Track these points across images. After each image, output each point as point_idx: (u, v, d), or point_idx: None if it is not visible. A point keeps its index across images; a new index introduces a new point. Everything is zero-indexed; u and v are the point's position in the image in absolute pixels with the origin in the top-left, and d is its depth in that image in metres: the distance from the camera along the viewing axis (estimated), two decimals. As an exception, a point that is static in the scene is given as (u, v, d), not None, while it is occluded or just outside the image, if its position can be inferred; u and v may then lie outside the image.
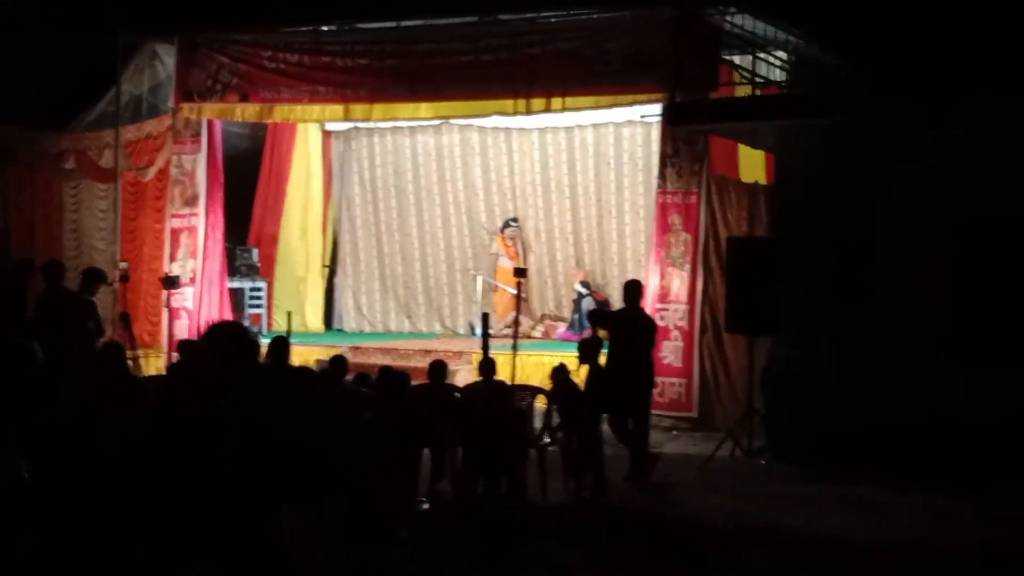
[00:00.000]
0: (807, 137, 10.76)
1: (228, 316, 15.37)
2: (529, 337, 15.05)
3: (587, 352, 9.75)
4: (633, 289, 10.34)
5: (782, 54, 12.74)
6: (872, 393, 9.85)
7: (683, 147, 12.51)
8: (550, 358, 12.75)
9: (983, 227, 9.68)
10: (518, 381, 10.90)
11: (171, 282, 13.53)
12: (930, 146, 9.96)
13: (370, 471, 7.15)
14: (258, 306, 16.40)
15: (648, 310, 11.36)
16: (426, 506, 8.42)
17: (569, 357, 11.09)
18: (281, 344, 9.01)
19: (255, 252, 16.64)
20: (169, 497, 5.01)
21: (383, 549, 7.16)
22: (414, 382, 9.08)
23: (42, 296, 10.42)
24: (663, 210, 12.61)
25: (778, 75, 12.72)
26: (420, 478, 8.46)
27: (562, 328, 15.55)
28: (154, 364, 14.01)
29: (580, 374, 10.03)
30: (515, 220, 16.22)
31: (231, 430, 5.10)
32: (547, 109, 13.15)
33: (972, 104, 9.65)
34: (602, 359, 9.85)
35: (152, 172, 15.25)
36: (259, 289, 16.47)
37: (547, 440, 9.27)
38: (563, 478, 9.09)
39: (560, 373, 9.40)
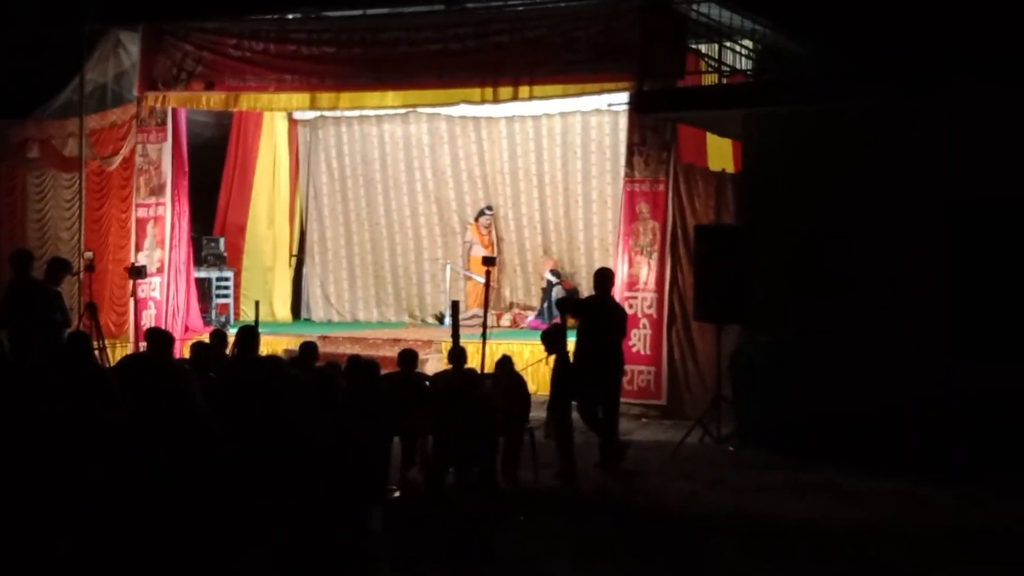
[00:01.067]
0: (774, 125, 10.79)
1: (195, 306, 15.33)
2: (498, 326, 15.05)
3: (551, 342, 9.78)
4: (603, 277, 10.37)
5: (748, 43, 12.80)
6: (842, 380, 9.92)
7: (651, 135, 12.53)
8: (519, 346, 12.82)
9: (953, 212, 9.75)
10: (487, 370, 10.90)
11: (138, 272, 13.43)
12: (897, 132, 10.03)
13: (343, 458, 7.15)
14: (225, 296, 16.33)
15: (617, 298, 11.38)
16: (397, 494, 8.42)
17: (538, 345, 11.12)
18: (248, 334, 8.97)
19: (222, 241, 16.54)
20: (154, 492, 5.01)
21: (356, 536, 7.16)
22: (383, 371, 9.07)
23: (9, 285, 10.33)
24: (631, 198, 12.64)
25: (744, 63, 12.77)
26: (390, 466, 8.46)
27: (531, 316, 15.56)
28: (120, 354, 13.89)
29: (549, 363, 10.06)
30: (490, 208, 16.21)
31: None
32: (515, 97, 13.14)
33: (938, 88, 9.71)
34: (570, 347, 9.88)
35: (117, 161, 15.13)
36: (226, 279, 16.40)
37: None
38: (532, 467, 9.11)
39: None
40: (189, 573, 6.04)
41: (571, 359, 9.79)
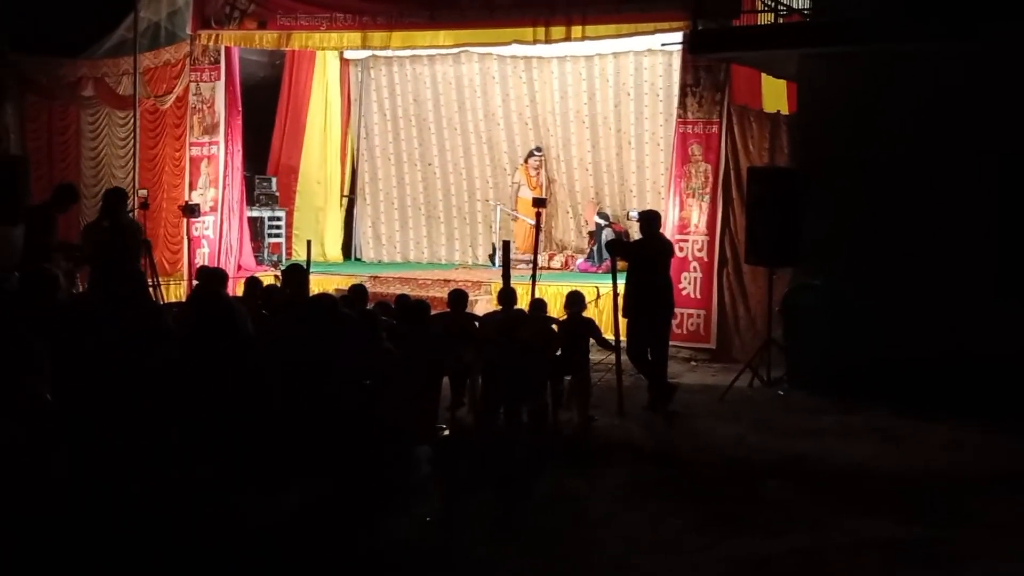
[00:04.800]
0: (830, 66, 10.63)
1: (247, 245, 15.46)
2: (548, 268, 15.05)
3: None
4: (650, 219, 10.32)
5: (806, -19, 12.55)
6: (894, 324, 9.85)
7: (704, 76, 12.39)
8: (569, 288, 12.78)
9: (1008, 158, 9.59)
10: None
11: (191, 210, 13.53)
12: (954, 75, 9.84)
13: (393, 397, 7.21)
14: (277, 235, 16.46)
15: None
16: (446, 432, 8.48)
17: (587, 287, 11.12)
18: (296, 271, 9.02)
19: (274, 181, 16.65)
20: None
21: (407, 475, 7.24)
22: (433, 311, 9.09)
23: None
24: (683, 140, 12.52)
25: (801, 2, 12.53)
26: (440, 405, 8.52)
27: (581, 259, 15.53)
28: (175, 292, 14.07)
29: (599, 304, 10.06)
30: (539, 150, 16.14)
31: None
32: (567, 37, 13.00)
33: (999, 32, 9.49)
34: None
35: (170, 100, 15.21)
36: (278, 218, 16.52)
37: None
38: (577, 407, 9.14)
39: (577, 302, 9.40)
40: (234, 507, 6.13)
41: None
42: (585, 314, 9.53)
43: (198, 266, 11.44)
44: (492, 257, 15.98)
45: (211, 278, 8.75)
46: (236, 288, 12.63)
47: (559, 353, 9.13)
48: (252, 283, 9.46)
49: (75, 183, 13.27)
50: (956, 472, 7.89)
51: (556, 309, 11.09)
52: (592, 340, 9.44)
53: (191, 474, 5.53)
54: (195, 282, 8.52)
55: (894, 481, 7.67)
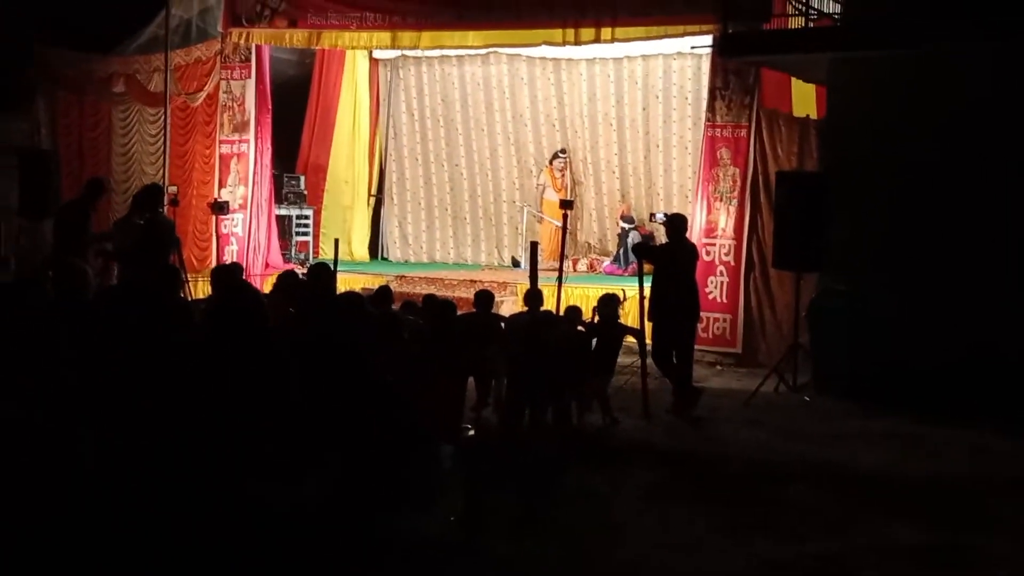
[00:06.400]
0: (861, 70, 10.59)
1: (275, 243, 15.53)
2: (575, 271, 15.05)
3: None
4: (676, 223, 10.31)
5: (837, -15, 12.51)
6: (922, 330, 9.80)
7: (734, 79, 12.36)
8: (595, 291, 12.79)
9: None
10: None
11: (220, 207, 13.61)
12: (986, 79, 9.79)
13: (419, 396, 7.21)
14: (305, 234, 16.54)
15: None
16: (472, 432, 8.49)
17: (614, 289, 11.09)
18: (322, 270, 9.04)
19: (303, 180, 16.72)
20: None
21: (430, 473, 7.24)
22: (460, 311, 9.11)
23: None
24: (711, 144, 12.50)
25: (832, 7, 12.48)
26: (465, 405, 8.53)
27: (607, 262, 15.52)
28: (203, 289, 14.13)
29: (625, 308, 10.05)
30: (563, 152, 16.14)
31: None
32: (597, 39, 12.98)
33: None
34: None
35: (201, 97, 15.30)
36: (306, 217, 16.60)
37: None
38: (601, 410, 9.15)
39: (610, 305, 9.40)
40: (252, 497, 6.15)
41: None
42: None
43: (213, 266, 11.54)
44: (516, 260, 15.99)
45: (232, 271, 8.80)
46: (264, 286, 12.71)
47: (589, 356, 9.13)
48: (286, 277, 9.50)
49: (105, 177, 13.38)
50: (982, 477, 7.87)
51: (585, 312, 11.08)
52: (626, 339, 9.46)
53: (211, 463, 5.56)
54: (213, 277, 8.56)
55: (919, 486, 7.64)
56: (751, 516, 6.96)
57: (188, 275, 12.14)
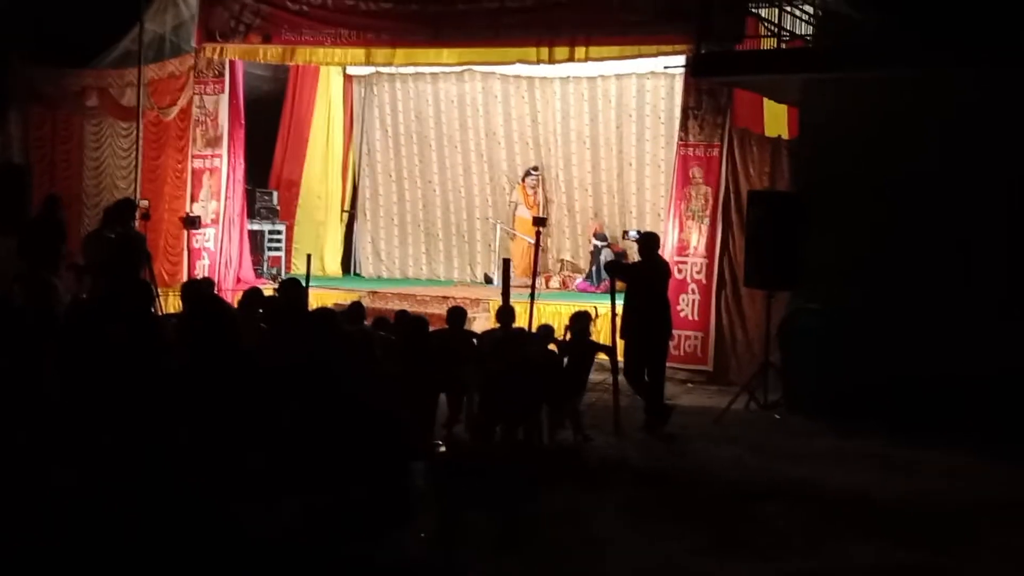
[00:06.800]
0: (832, 92, 10.69)
1: (247, 258, 15.48)
2: (547, 287, 15.07)
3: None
4: (649, 241, 10.36)
5: (808, 8, 12.60)
6: (893, 349, 9.86)
7: (706, 99, 12.45)
8: (567, 308, 12.82)
9: (1016, 183, 9.65)
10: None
11: (192, 222, 13.56)
12: (957, 101, 9.89)
13: (390, 412, 7.20)
14: (277, 249, 16.48)
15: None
16: (443, 449, 8.48)
17: (587, 307, 11.15)
18: (294, 286, 9.02)
19: (275, 195, 16.69)
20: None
21: (405, 490, 7.23)
22: (432, 328, 9.11)
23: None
24: (684, 162, 12.57)
25: (804, 29, 12.59)
26: (436, 422, 8.52)
27: (580, 279, 15.55)
28: (173, 303, 14.06)
29: (597, 325, 10.08)
30: (536, 169, 16.18)
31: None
32: (571, 58, 13.07)
33: (1001, 58, 9.55)
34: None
35: (174, 112, 15.25)
36: (278, 232, 16.56)
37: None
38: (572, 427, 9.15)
39: (582, 321, 9.42)
40: (227, 519, 6.12)
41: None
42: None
43: (182, 282, 11.49)
44: (489, 276, 16.01)
45: (203, 285, 8.77)
46: (236, 301, 12.64)
47: (562, 374, 9.14)
48: (251, 294, 9.47)
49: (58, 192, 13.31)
50: (955, 497, 7.89)
51: (557, 330, 11.10)
52: (598, 356, 9.49)
53: (191, 482, 5.53)
54: (183, 293, 8.54)
55: (894, 505, 7.66)
56: (728, 536, 6.95)
57: (159, 290, 12.12)
